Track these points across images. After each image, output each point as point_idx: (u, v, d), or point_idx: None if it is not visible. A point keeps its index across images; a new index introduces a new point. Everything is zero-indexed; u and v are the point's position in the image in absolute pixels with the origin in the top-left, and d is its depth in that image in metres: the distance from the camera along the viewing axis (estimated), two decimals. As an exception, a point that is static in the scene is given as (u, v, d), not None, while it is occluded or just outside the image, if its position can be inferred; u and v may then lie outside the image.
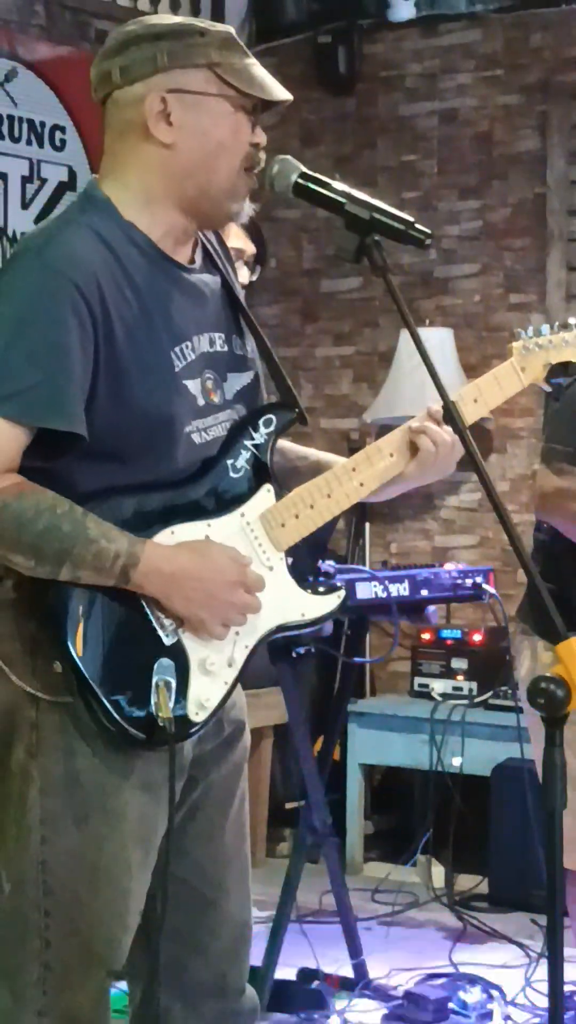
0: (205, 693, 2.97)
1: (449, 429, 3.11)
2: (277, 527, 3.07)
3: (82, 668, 2.82)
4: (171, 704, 2.89)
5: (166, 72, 2.92)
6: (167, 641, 2.93)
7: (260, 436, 3.11)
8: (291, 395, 3.17)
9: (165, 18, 3.03)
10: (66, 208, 3.03)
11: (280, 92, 3.01)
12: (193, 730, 2.96)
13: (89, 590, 2.86)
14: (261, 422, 3.12)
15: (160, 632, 2.92)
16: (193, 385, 3.01)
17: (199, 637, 2.96)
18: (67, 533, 2.79)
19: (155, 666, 2.90)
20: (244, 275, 4.58)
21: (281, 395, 3.18)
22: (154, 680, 2.89)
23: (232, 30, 3.01)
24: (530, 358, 3.38)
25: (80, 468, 2.88)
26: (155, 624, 2.92)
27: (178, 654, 2.94)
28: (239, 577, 2.95)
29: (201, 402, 3.02)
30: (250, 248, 4.62)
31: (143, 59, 2.92)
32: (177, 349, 2.98)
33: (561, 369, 3.40)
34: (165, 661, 2.92)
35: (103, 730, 2.86)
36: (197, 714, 2.95)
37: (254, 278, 4.65)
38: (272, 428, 3.12)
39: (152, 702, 2.88)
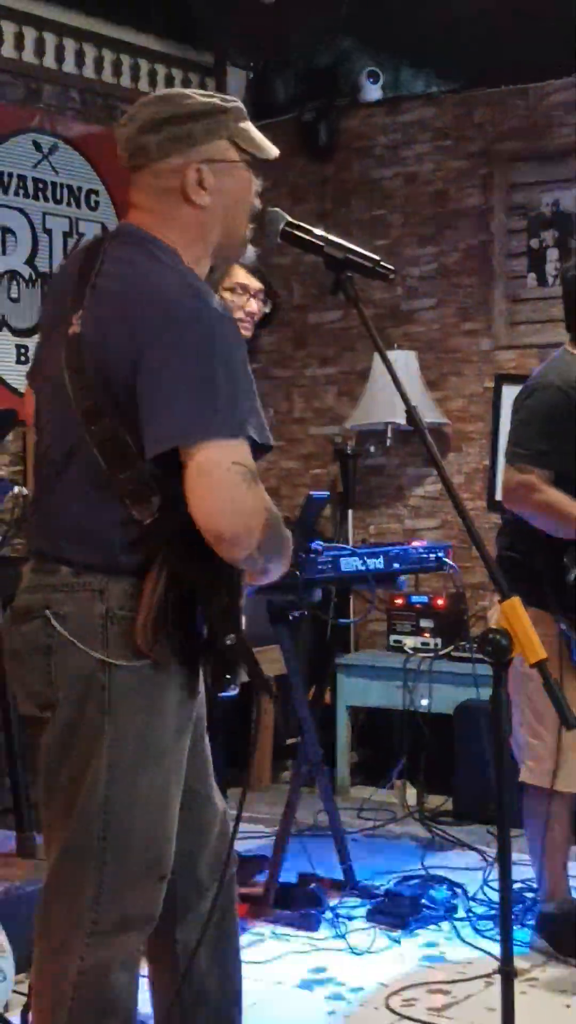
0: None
1: None
2: None
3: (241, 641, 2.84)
4: None
5: (199, 147, 2.89)
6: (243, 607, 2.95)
7: None
8: None
9: (189, 95, 2.95)
10: (138, 249, 2.85)
11: (273, 149, 3.02)
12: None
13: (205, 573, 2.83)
14: None
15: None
16: None
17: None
18: (286, 534, 2.88)
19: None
20: (255, 306, 4.55)
21: None
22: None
23: (240, 102, 2.99)
24: None
25: None
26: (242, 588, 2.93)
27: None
28: None
29: None
30: (254, 284, 4.61)
31: (180, 135, 2.89)
32: None
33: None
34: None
35: (170, 686, 2.85)
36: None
37: (267, 310, 4.65)
38: None
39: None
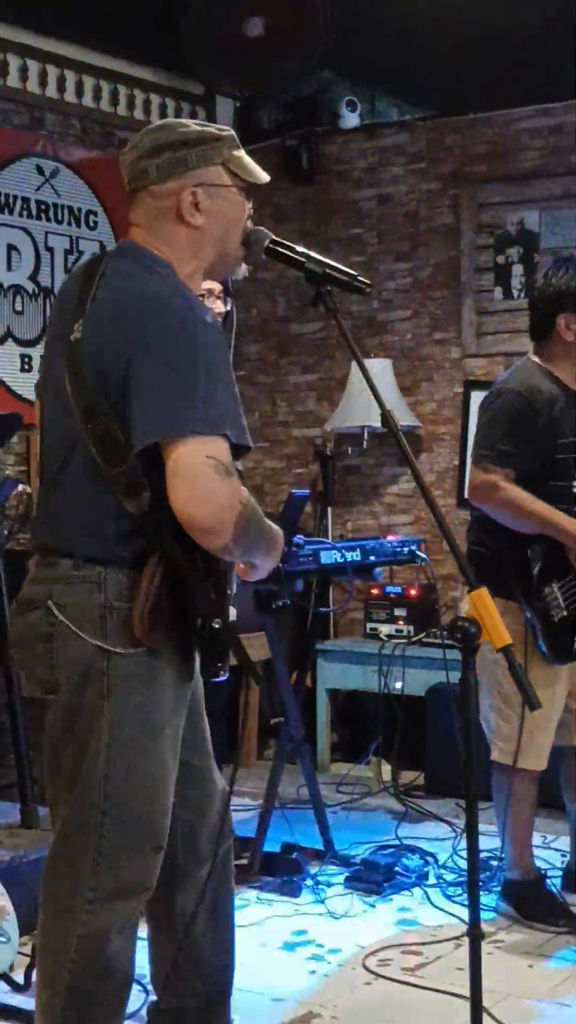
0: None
1: None
2: None
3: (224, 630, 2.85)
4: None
5: (194, 171, 2.92)
6: (232, 597, 2.99)
7: None
8: None
9: (186, 125, 2.98)
10: (135, 263, 2.89)
11: (264, 175, 3.04)
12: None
13: (193, 566, 2.84)
14: None
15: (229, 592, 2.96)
16: None
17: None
18: (265, 526, 2.91)
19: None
20: (220, 306, 4.52)
21: None
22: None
23: (233, 133, 3.01)
24: None
25: None
26: (229, 581, 2.96)
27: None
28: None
29: None
30: (216, 286, 4.55)
31: (176, 161, 2.92)
32: None
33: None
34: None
35: (166, 670, 2.87)
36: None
37: (229, 308, 4.59)
38: None
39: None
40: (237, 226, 2.99)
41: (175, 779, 2.97)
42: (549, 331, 4.44)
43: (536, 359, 4.48)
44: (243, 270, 3.08)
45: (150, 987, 3.30)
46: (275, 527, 3.00)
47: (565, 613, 4.30)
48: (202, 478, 2.69)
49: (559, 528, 4.27)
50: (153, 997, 3.28)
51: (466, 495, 4.48)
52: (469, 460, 4.61)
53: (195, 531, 2.71)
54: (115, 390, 2.76)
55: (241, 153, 2.98)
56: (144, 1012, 3.36)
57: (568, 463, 4.36)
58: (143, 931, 3.10)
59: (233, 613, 3.07)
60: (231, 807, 3.24)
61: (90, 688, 2.83)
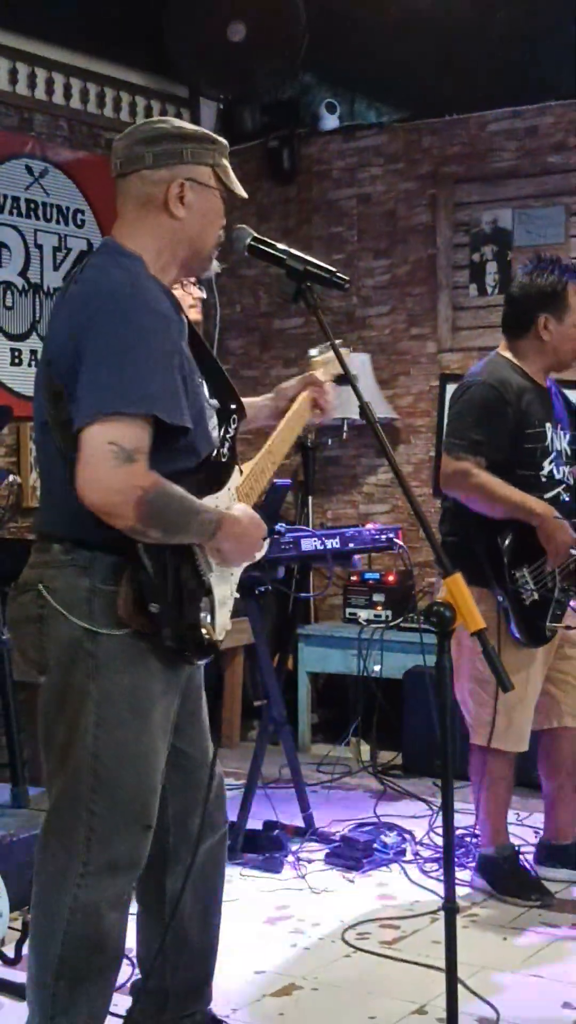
0: (223, 621, 2.98)
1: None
2: (244, 496, 3.08)
3: (165, 610, 2.80)
4: (211, 627, 2.90)
5: (187, 165, 2.92)
6: (206, 582, 2.90)
7: (231, 430, 3.11)
8: (238, 398, 3.15)
9: (186, 124, 3.01)
10: (107, 257, 2.90)
11: (243, 192, 3.05)
12: (221, 647, 2.97)
13: (157, 550, 2.80)
14: (231, 420, 3.11)
15: (203, 576, 2.89)
16: (203, 392, 3.03)
17: (219, 575, 2.95)
18: (187, 510, 2.80)
19: (203, 601, 2.89)
20: (196, 292, 4.44)
21: (232, 399, 3.14)
22: (202, 615, 2.88)
23: (226, 143, 3.03)
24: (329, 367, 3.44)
25: (155, 459, 2.79)
26: (201, 568, 2.89)
27: (210, 591, 2.92)
28: (263, 531, 3.01)
29: (209, 402, 3.04)
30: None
31: (172, 152, 2.92)
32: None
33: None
34: (205, 598, 2.90)
35: (154, 652, 2.84)
36: (222, 635, 2.97)
37: (203, 294, 4.54)
38: (237, 424, 3.12)
39: (201, 629, 2.87)
40: (213, 227, 2.99)
41: (164, 761, 2.95)
42: (526, 328, 4.47)
43: (506, 354, 4.52)
44: (215, 266, 3.08)
45: (135, 962, 3.27)
46: (230, 514, 2.94)
47: (536, 596, 4.32)
48: (98, 464, 2.68)
49: (530, 511, 4.28)
50: (138, 974, 3.27)
51: (439, 483, 4.47)
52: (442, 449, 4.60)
53: (97, 514, 2.71)
54: (68, 376, 2.76)
55: (228, 163, 3.00)
56: (129, 987, 3.34)
57: (535, 452, 4.39)
58: (133, 908, 3.06)
59: (227, 622, 3.02)
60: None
61: (78, 668, 2.83)
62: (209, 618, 2.89)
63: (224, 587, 2.98)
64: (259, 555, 3.07)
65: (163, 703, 2.91)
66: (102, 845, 2.85)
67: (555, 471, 4.43)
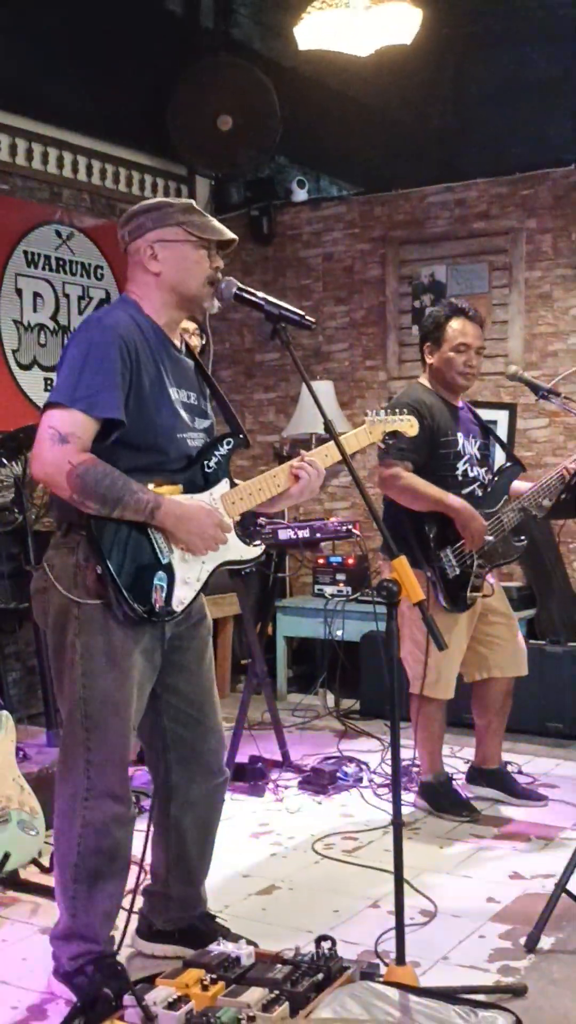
0: (183, 596, 2.93)
1: (318, 465, 3.12)
2: (230, 504, 3.03)
3: (116, 578, 2.78)
4: (164, 599, 2.86)
5: (154, 231, 2.93)
6: (164, 560, 2.87)
7: (223, 450, 3.05)
8: (239, 426, 3.12)
9: (154, 200, 3.01)
10: (114, 302, 3.03)
11: (228, 233, 3.01)
12: (176, 616, 2.92)
13: (115, 531, 2.78)
14: (224, 442, 3.07)
15: (160, 555, 2.86)
16: (182, 410, 2.97)
17: (183, 559, 2.90)
18: (121, 487, 2.74)
19: (155, 576, 2.85)
20: (195, 341, 4.46)
21: (233, 427, 3.12)
22: (155, 583, 2.85)
23: (192, 201, 3.01)
24: (375, 427, 3.34)
25: (116, 454, 2.80)
26: (158, 549, 2.86)
27: (169, 569, 2.88)
28: (217, 520, 2.92)
29: (187, 420, 2.98)
30: (192, 325, 4.51)
31: (139, 225, 2.96)
32: (172, 389, 2.95)
33: (391, 435, 3.38)
34: (161, 573, 2.87)
35: (121, 616, 2.81)
36: (178, 607, 2.92)
37: (203, 342, 4.53)
38: (231, 446, 3.07)
39: (153, 598, 2.83)
40: (192, 272, 2.94)
41: (140, 712, 2.94)
42: (423, 356, 4.51)
43: (422, 381, 4.54)
44: (215, 306, 3.02)
45: (149, 870, 3.27)
46: (173, 499, 2.86)
47: (458, 571, 4.32)
48: (41, 443, 2.74)
49: (448, 505, 4.29)
50: (149, 879, 3.27)
51: (377, 485, 4.48)
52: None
53: (44, 486, 2.76)
54: None
55: (196, 217, 2.95)
56: (141, 891, 3.32)
57: (449, 456, 4.40)
58: (141, 825, 3.06)
59: (187, 597, 2.92)
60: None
61: (68, 630, 2.85)
62: (165, 591, 2.86)
63: (189, 570, 2.92)
64: (235, 552, 3.01)
65: (140, 661, 2.89)
66: (99, 776, 2.85)
67: (469, 471, 4.43)
